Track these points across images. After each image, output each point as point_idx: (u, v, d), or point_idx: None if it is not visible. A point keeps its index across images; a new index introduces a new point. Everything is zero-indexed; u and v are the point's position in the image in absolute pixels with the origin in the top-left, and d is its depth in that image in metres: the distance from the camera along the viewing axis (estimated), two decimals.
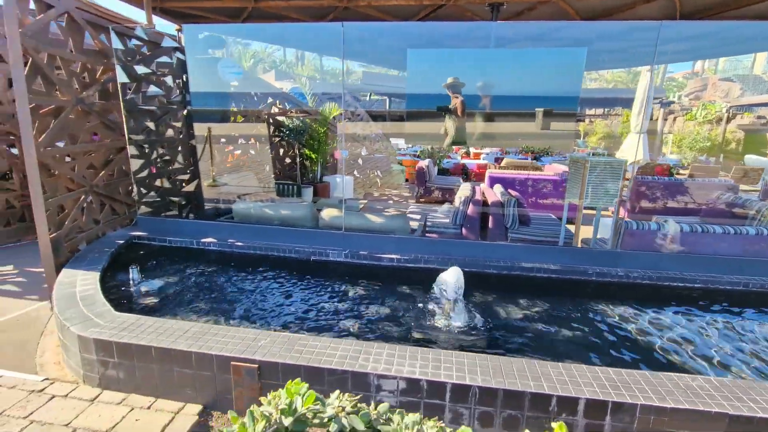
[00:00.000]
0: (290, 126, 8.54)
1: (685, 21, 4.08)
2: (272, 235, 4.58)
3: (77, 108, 4.31)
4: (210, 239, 4.59)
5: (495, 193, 6.11)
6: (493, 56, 3.84)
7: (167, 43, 5.17)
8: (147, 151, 5.21)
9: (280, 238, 4.55)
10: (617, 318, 3.54)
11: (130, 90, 4.92)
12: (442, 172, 11.58)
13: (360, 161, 10.39)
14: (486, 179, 8.20)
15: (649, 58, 5.87)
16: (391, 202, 9.48)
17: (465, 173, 12.55)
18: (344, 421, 1.02)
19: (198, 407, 2.58)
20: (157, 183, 5.43)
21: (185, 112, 5.50)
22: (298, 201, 7.80)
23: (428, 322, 3.33)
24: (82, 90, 4.42)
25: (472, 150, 17.88)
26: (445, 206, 5.70)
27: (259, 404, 1.19)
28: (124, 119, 4.74)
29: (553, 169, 9.57)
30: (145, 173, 5.19)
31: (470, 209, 5.66)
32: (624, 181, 5.00)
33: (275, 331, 3.07)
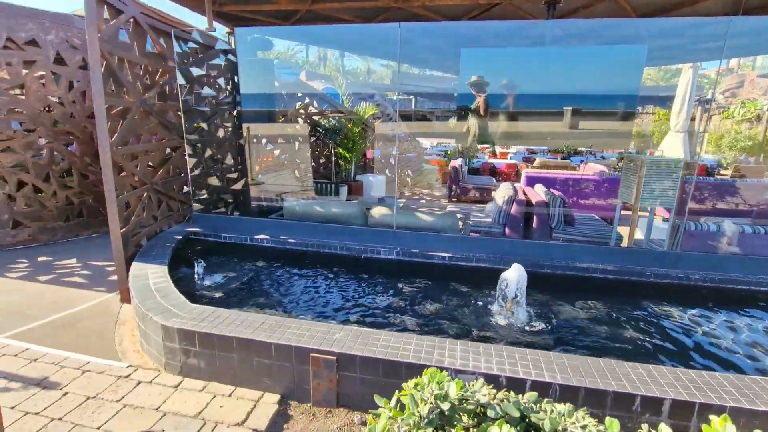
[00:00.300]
0: (326, 126, 8.68)
1: (754, 16, 3.96)
2: (323, 232, 4.68)
3: (140, 109, 4.51)
4: (263, 236, 4.73)
5: (538, 193, 6.06)
6: (550, 54, 3.83)
7: (220, 45, 5.35)
8: (199, 150, 5.40)
9: (331, 235, 4.65)
10: (682, 319, 3.48)
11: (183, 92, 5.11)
12: (472, 171, 11.54)
13: (392, 160, 10.46)
14: (523, 179, 8.13)
15: (702, 55, 5.73)
16: (423, 201, 9.51)
17: (493, 173, 12.46)
18: (498, 408, 1.07)
19: (276, 396, 2.68)
20: (208, 181, 5.62)
21: (235, 112, 5.67)
22: (337, 199, 7.92)
23: (489, 320, 3.35)
24: (145, 92, 4.62)
25: (498, 149, 17.71)
26: (490, 205, 5.69)
27: (408, 391, 1.24)
28: (182, 119, 4.92)
29: (589, 169, 9.41)
30: (198, 171, 5.39)
31: (513, 209, 5.64)
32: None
33: (344, 324, 3.14)
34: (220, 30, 5.64)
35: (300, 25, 5.27)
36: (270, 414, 2.52)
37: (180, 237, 4.66)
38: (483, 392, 1.12)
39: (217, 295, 3.82)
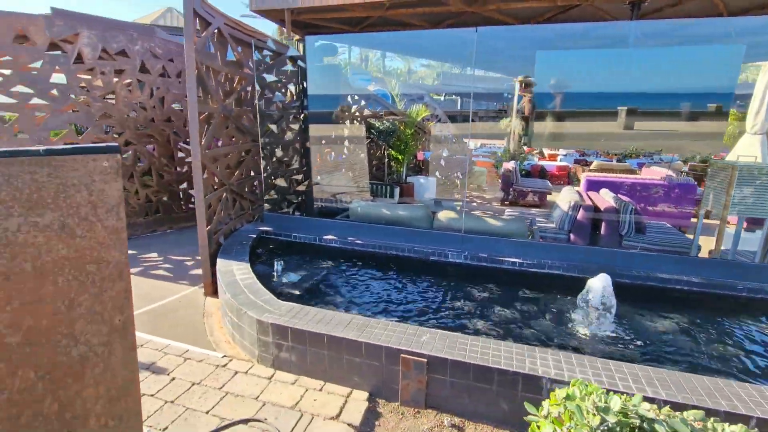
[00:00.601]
0: (380, 128, 8.80)
1: None
2: (390, 234, 4.77)
3: (221, 114, 4.79)
4: (331, 236, 4.88)
5: (605, 198, 5.85)
6: (632, 56, 3.69)
7: (291, 52, 5.58)
8: (268, 152, 5.67)
9: (397, 237, 4.73)
10: None
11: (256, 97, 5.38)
12: (523, 174, 11.28)
13: (442, 162, 10.44)
14: (582, 183, 7.86)
15: None
16: (474, 204, 9.42)
17: (543, 175, 12.12)
18: (665, 424, 1.08)
19: (365, 394, 2.78)
20: (275, 182, 5.89)
21: (302, 116, 5.89)
22: (392, 201, 8.02)
23: (570, 328, 3.29)
24: (225, 98, 4.91)
25: (546, 151, 17.21)
26: (557, 211, 5.57)
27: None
28: (258, 123, 5.18)
29: (652, 173, 8.94)
30: (267, 173, 5.65)
31: (579, 214, 5.48)
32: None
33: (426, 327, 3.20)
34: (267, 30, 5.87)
35: (368, 31, 5.40)
36: (362, 410, 2.63)
37: (254, 236, 4.91)
38: (645, 407, 1.13)
39: (294, 292, 4.00)
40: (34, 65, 5.41)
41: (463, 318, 3.54)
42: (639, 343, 3.13)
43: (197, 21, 4.15)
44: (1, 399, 1.54)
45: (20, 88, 5.26)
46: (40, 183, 1.58)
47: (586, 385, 1.25)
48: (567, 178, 12.56)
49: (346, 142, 8.50)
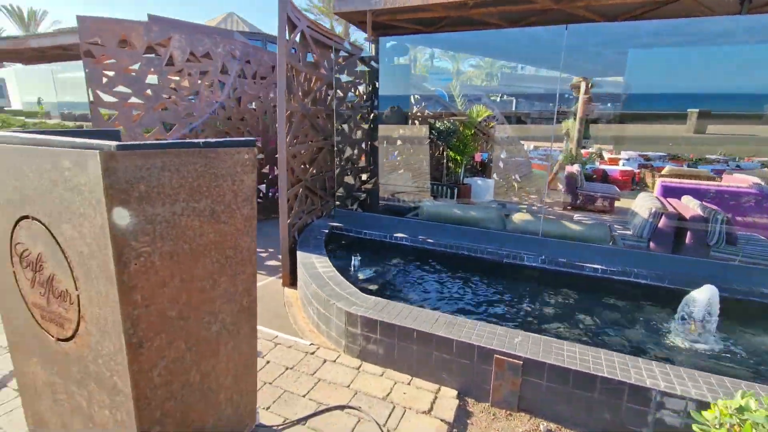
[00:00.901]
0: (440, 128, 8.78)
1: None
2: (462, 234, 4.75)
3: (300, 112, 5.00)
4: (402, 234, 4.94)
5: (689, 206, 5.48)
6: (741, 53, 3.41)
7: (364, 53, 5.72)
8: (339, 150, 5.84)
9: (470, 238, 4.70)
10: None
11: (329, 96, 5.56)
12: (586, 178, 10.80)
13: (500, 164, 10.24)
14: (657, 189, 7.39)
15: None
16: (534, 208, 9.14)
17: (605, 179, 11.54)
18: None
19: (453, 392, 2.79)
20: (345, 179, 6.05)
21: (372, 116, 6.01)
22: (450, 201, 7.97)
23: (668, 341, 3.12)
24: (304, 97, 5.12)
25: (606, 154, 16.37)
26: (636, 218, 5.29)
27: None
28: (334, 122, 5.36)
29: (735, 180, 8.24)
30: (338, 170, 5.82)
31: (661, 222, 5.17)
32: None
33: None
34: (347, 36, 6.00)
35: (441, 31, 5.41)
36: (453, 407, 2.64)
37: (326, 231, 5.08)
38: None
39: (369, 287, 4.09)
40: (133, 67, 5.93)
41: (546, 322, 3.46)
42: (750, 361, 2.90)
43: (287, 26, 4.36)
44: (160, 366, 1.71)
45: (119, 88, 5.78)
46: (199, 172, 1.73)
47: (758, 397, 1.19)
48: (631, 183, 11.89)
49: (407, 143, 8.56)
